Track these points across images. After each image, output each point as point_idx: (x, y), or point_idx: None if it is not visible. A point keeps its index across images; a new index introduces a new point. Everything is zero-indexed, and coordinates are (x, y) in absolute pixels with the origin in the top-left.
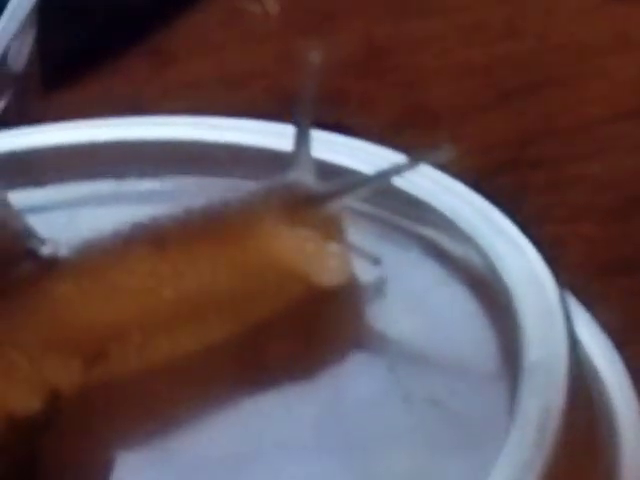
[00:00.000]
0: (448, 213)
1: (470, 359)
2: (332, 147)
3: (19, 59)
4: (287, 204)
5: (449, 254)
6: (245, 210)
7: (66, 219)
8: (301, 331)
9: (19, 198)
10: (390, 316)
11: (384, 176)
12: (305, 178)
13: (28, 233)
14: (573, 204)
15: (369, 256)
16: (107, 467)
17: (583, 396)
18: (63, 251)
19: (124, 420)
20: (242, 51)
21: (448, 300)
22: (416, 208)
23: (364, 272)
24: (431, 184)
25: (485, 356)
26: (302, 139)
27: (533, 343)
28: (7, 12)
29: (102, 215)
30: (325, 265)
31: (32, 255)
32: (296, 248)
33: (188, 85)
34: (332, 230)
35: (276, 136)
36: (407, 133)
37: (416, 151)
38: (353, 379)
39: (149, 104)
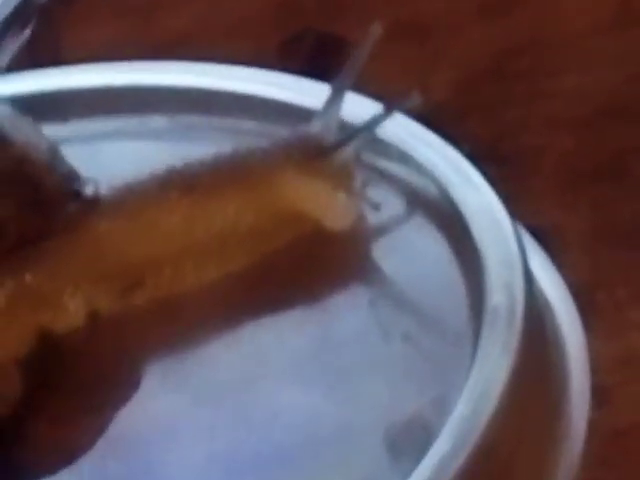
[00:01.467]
0: (424, 163)
1: (440, 299)
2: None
3: None
4: (304, 156)
5: (425, 202)
6: (268, 160)
7: (89, 152)
8: (305, 265)
9: (47, 132)
10: (375, 255)
11: (373, 125)
12: (323, 133)
13: (74, 176)
14: (549, 116)
15: (370, 202)
16: (131, 382)
17: (537, 333)
18: (104, 191)
19: (150, 340)
20: None
21: (424, 244)
22: (396, 157)
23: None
24: (407, 135)
25: (453, 297)
26: (335, 99)
27: (495, 288)
28: None
29: (120, 149)
30: (334, 211)
31: (77, 195)
32: (311, 197)
33: None
34: (341, 180)
35: (279, 87)
36: (399, 45)
37: (389, 101)
38: (341, 313)
39: (159, 13)
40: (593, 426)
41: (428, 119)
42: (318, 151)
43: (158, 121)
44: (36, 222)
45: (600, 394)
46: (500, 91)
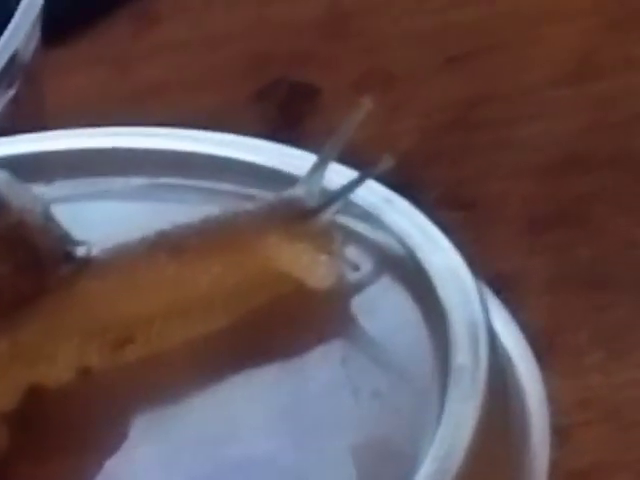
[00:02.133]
0: (393, 227)
1: (408, 358)
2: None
3: (27, 51)
4: (288, 219)
5: (394, 264)
6: (253, 223)
7: (73, 212)
8: (285, 323)
9: None
10: (349, 315)
11: (350, 189)
12: (306, 198)
13: (66, 238)
14: (512, 163)
15: (349, 263)
16: (115, 431)
17: (499, 388)
18: (95, 252)
19: (135, 394)
20: (224, 13)
21: (393, 304)
22: (365, 219)
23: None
24: (376, 198)
25: (421, 355)
26: (319, 166)
27: (460, 347)
28: (18, 13)
29: (104, 209)
30: (316, 272)
31: (70, 257)
32: (294, 258)
33: (171, 45)
34: (323, 242)
35: (256, 151)
36: (365, 93)
37: (364, 166)
38: (314, 371)
39: (135, 63)
40: (555, 466)
41: (394, 167)
42: (301, 215)
43: (139, 182)
44: (30, 283)
45: (561, 435)
46: (464, 139)
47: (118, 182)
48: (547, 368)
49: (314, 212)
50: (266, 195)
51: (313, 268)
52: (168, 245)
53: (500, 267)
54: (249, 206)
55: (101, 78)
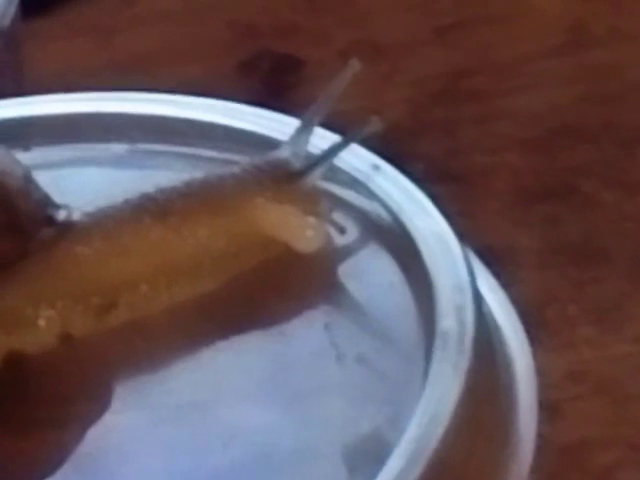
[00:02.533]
0: (379, 193)
1: (393, 323)
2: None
3: (6, 16)
4: (274, 182)
5: (379, 229)
6: (239, 186)
7: (51, 179)
8: (271, 287)
9: None
10: (334, 279)
11: (337, 151)
12: (291, 160)
13: (47, 201)
14: (501, 135)
15: (337, 226)
16: (96, 399)
17: (486, 354)
18: (77, 216)
19: (118, 360)
20: None
21: (378, 269)
22: (350, 184)
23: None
24: (361, 163)
25: (406, 320)
26: (305, 129)
27: (446, 312)
28: None
29: (83, 175)
30: (303, 235)
31: (51, 220)
32: (281, 221)
33: (156, 16)
34: (310, 204)
35: (238, 116)
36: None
37: (350, 130)
38: (298, 336)
39: (118, 33)
40: (544, 441)
41: (382, 138)
42: (287, 177)
43: (119, 148)
44: (10, 246)
45: (551, 409)
46: (453, 111)
47: (98, 148)
48: (538, 341)
49: (300, 174)
50: (247, 160)
51: (300, 230)
52: (153, 208)
53: (489, 240)
54: (235, 169)
55: (84, 47)
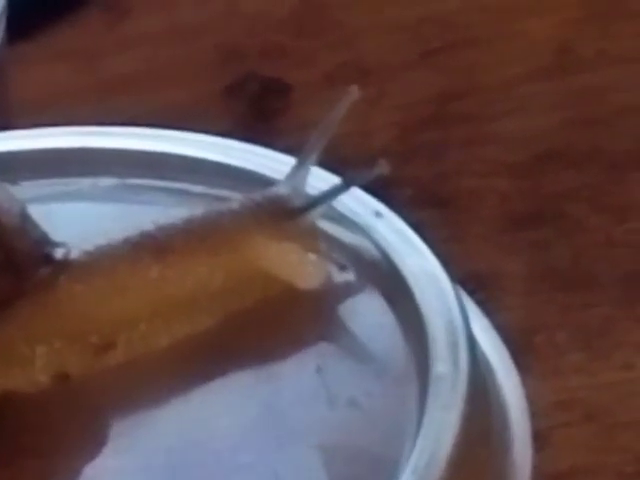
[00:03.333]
0: (367, 228)
1: (386, 365)
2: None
3: None
4: (273, 219)
5: (368, 267)
6: (237, 223)
7: (41, 213)
8: (266, 326)
9: None
10: (329, 319)
11: (335, 193)
12: (291, 196)
13: (45, 239)
14: (489, 160)
15: (336, 263)
16: (85, 437)
17: (480, 396)
18: (75, 254)
19: (111, 400)
20: (195, 5)
21: (369, 309)
22: (339, 221)
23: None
24: (350, 200)
25: (399, 363)
26: (304, 162)
27: (439, 356)
28: None
29: (72, 210)
30: (304, 272)
31: (49, 259)
32: (281, 259)
33: (141, 39)
34: (309, 241)
35: (228, 153)
36: (339, 88)
37: (353, 173)
38: (290, 378)
39: (103, 56)
40: (534, 470)
41: (371, 163)
42: (286, 214)
43: (107, 183)
44: (8, 285)
45: (540, 438)
46: (441, 135)
47: (86, 183)
48: (526, 369)
49: (301, 211)
50: (237, 197)
51: (301, 267)
52: (152, 246)
53: (476, 266)
54: (233, 205)
55: (69, 71)
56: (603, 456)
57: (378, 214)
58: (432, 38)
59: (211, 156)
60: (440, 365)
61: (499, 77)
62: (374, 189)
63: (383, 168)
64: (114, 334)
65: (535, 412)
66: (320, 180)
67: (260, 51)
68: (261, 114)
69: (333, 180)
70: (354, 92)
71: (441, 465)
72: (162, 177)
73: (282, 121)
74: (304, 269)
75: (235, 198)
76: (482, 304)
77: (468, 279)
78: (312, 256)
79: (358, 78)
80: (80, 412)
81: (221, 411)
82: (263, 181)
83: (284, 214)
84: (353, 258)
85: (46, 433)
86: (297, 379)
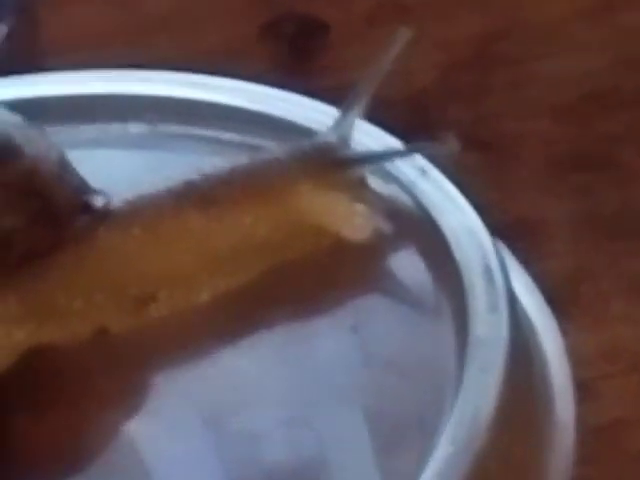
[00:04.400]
0: (408, 183)
1: (424, 326)
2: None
3: None
4: (321, 168)
5: (409, 223)
6: (284, 172)
7: (71, 159)
8: (310, 278)
9: None
10: (369, 275)
11: (394, 156)
12: (339, 145)
13: (84, 188)
14: (532, 101)
15: (381, 216)
16: (128, 396)
17: (521, 360)
18: (116, 203)
19: (149, 357)
20: None
21: (409, 268)
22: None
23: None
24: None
25: (437, 324)
26: (351, 107)
27: (479, 317)
28: None
29: (101, 157)
30: (353, 223)
31: (88, 207)
32: (329, 209)
33: None
34: (358, 192)
35: (263, 100)
36: (378, 27)
37: (421, 142)
38: (324, 337)
39: None
40: (579, 421)
41: (411, 104)
42: (334, 164)
43: (139, 129)
44: (46, 235)
45: (584, 389)
46: (482, 76)
47: (116, 129)
48: (570, 319)
49: (348, 163)
50: (271, 145)
51: (350, 219)
52: (195, 197)
53: (520, 212)
54: (279, 153)
55: (100, 11)
56: None
57: (423, 172)
58: None
59: (244, 104)
60: (479, 328)
61: (542, 17)
62: (415, 131)
63: (453, 145)
64: (156, 287)
65: (579, 362)
66: (368, 135)
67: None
68: (299, 54)
69: (384, 139)
70: (405, 33)
71: (481, 431)
72: (194, 124)
73: (320, 61)
74: (353, 220)
75: (272, 147)
76: (526, 251)
77: (512, 226)
78: (360, 207)
79: (396, 17)
80: (117, 367)
81: (253, 371)
82: (299, 130)
83: (332, 164)
84: (395, 214)
85: (82, 386)
86: (332, 338)
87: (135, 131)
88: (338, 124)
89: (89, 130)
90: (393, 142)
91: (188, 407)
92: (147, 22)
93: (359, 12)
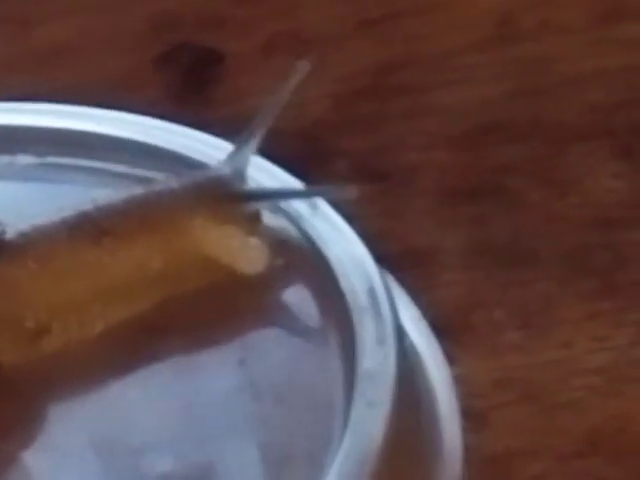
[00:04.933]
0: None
1: (312, 359)
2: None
3: None
4: (216, 201)
5: (294, 254)
6: (178, 205)
7: None
8: (200, 311)
9: None
10: (253, 309)
11: (292, 196)
12: (233, 177)
13: None
14: (428, 132)
15: (273, 246)
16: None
17: (408, 392)
18: (10, 235)
19: (48, 389)
20: None
21: (295, 300)
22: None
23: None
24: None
25: (326, 358)
26: (245, 146)
27: (367, 350)
28: None
29: None
30: (245, 257)
31: None
32: (223, 242)
33: (74, 6)
34: (252, 225)
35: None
36: (274, 58)
37: (322, 185)
38: (214, 372)
39: (38, 24)
40: (470, 451)
41: (306, 134)
42: (230, 196)
43: (27, 161)
44: None
45: (477, 418)
46: (379, 106)
47: (3, 160)
48: (463, 348)
49: (246, 197)
50: (160, 177)
51: (244, 252)
52: (89, 228)
53: (414, 241)
54: (173, 185)
55: (3, 39)
56: (542, 437)
57: (313, 206)
58: (371, 7)
59: (133, 136)
60: (367, 361)
61: (439, 48)
62: (309, 162)
63: (351, 193)
64: (50, 319)
65: (472, 392)
66: (263, 171)
67: (195, 20)
68: (194, 84)
69: (280, 176)
70: (304, 66)
71: (369, 466)
72: (82, 156)
73: (216, 91)
74: (246, 254)
75: (163, 179)
76: (419, 280)
77: (406, 255)
78: (254, 240)
79: (294, 48)
80: (11, 398)
81: (141, 407)
82: (189, 163)
83: (228, 197)
84: (284, 245)
85: None
86: (220, 371)
87: (23, 162)
88: (233, 157)
89: None
90: (290, 180)
91: (80, 438)
92: (45, 51)
93: (257, 43)
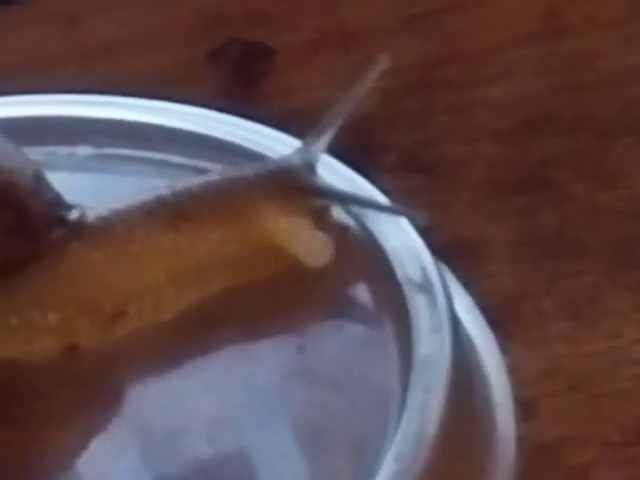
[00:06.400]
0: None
1: (369, 347)
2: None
3: None
4: (287, 192)
5: (351, 244)
6: (251, 194)
7: None
8: (260, 299)
9: None
10: (314, 299)
11: (365, 203)
12: (303, 170)
13: (59, 201)
14: (474, 126)
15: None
16: (98, 416)
17: (463, 379)
18: (89, 217)
19: (126, 372)
20: None
21: (357, 293)
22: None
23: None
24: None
25: (382, 345)
26: (316, 140)
27: (423, 337)
28: None
29: (52, 178)
30: (312, 250)
31: (62, 221)
32: (292, 234)
33: (122, 3)
34: (321, 220)
35: (208, 123)
36: (323, 54)
37: (399, 204)
38: (272, 358)
39: (84, 21)
40: (519, 439)
41: (355, 129)
42: (301, 188)
43: (86, 152)
44: (21, 247)
45: (526, 406)
46: (425, 101)
47: (63, 152)
48: (511, 338)
49: (316, 192)
50: (218, 168)
51: (311, 244)
52: (167, 213)
53: (462, 233)
54: (247, 172)
55: (48, 36)
56: (589, 426)
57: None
58: (416, 3)
59: (191, 127)
60: (423, 348)
61: (485, 43)
62: (358, 155)
63: (423, 219)
64: (127, 303)
65: (520, 381)
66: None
67: (243, 16)
68: (244, 79)
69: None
70: (384, 61)
71: (425, 451)
72: (140, 147)
73: (266, 86)
74: (313, 247)
75: (223, 169)
76: (468, 272)
77: (454, 246)
78: (321, 234)
79: (341, 44)
80: (86, 383)
81: (199, 390)
82: (246, 154)
83: (298, 189)
84: (342, 237)
85: (34, 405)
86: (278, 358)
87: (82, 154)
88: (304, 150)
89: (37, 152)
90: (360, 182)
91: (137, 425)
92: (94, 47)
93: (304, 39)
